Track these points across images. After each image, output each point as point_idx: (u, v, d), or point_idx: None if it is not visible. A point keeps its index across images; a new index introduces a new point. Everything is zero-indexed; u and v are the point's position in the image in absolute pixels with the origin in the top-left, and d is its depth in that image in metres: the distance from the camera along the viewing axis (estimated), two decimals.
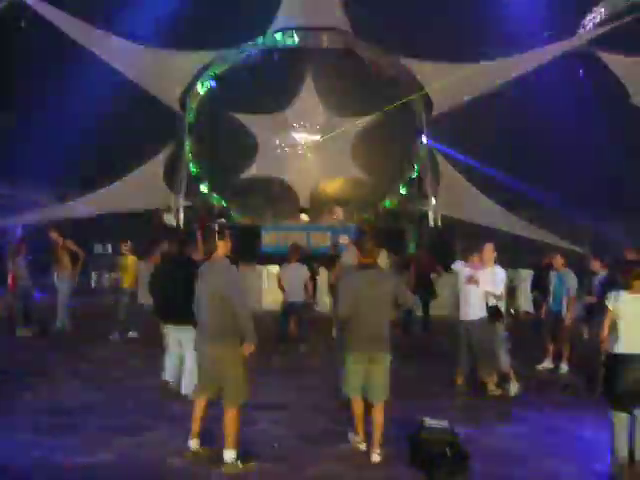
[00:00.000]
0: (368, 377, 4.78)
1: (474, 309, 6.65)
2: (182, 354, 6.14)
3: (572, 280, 7.98)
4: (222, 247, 4.62)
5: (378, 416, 4.73)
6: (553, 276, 8.19)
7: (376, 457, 4.65)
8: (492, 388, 6.62)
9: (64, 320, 10.23)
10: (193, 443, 4.63)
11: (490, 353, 6.64)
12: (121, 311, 9.87)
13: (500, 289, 6.74)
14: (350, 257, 6.80)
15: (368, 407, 4.86)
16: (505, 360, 6.80)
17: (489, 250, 6.91)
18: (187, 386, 5.91)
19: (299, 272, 9.11)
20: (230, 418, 4.44)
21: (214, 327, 4.49)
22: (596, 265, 8.50)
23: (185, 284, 5.24)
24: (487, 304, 6.70)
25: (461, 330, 6.76)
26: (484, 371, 6.66)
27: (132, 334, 9.80)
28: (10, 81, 15.04)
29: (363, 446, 4.85)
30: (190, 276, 4.97)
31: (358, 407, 4.85)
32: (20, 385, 6.56)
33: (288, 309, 9.15)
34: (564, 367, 8.01)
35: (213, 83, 17.88)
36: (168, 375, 6.30)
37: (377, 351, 4.75)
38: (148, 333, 8.81)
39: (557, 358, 8.14)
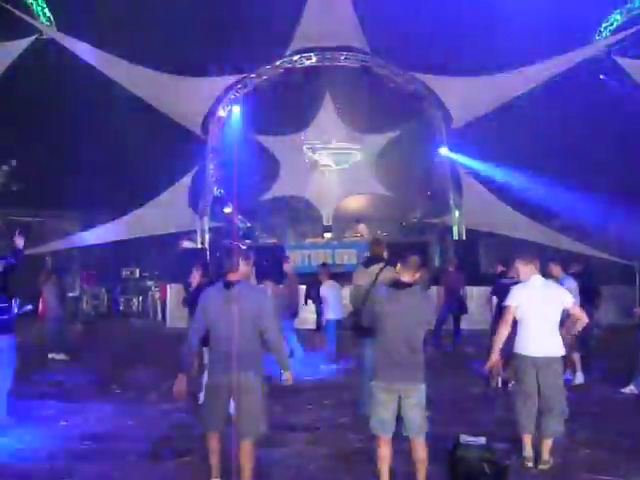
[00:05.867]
0: (401, 411, 4.24)
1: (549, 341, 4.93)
2: None
3: (571, 285, 7.38)
4: (244, 269, 4.35)
5: (420, 452, 4.27)
6: None
7: None
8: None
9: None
10: None
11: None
12: None
13: None
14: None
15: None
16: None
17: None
18: None
19: (336, 290, 9.36)
20: (249, 452, 4.14)
21: (245, 355, 4.09)
22: None
23: None
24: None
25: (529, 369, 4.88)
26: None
27: None
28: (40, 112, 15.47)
29: None
30: None
31: (385, 448, 4.27)
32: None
33: (334, 325, 9.17)
34: (579, 376, 7.77)
35: (234, 107, 18.10)
36: None
37: (408, 382, 4.23)
38: None
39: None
